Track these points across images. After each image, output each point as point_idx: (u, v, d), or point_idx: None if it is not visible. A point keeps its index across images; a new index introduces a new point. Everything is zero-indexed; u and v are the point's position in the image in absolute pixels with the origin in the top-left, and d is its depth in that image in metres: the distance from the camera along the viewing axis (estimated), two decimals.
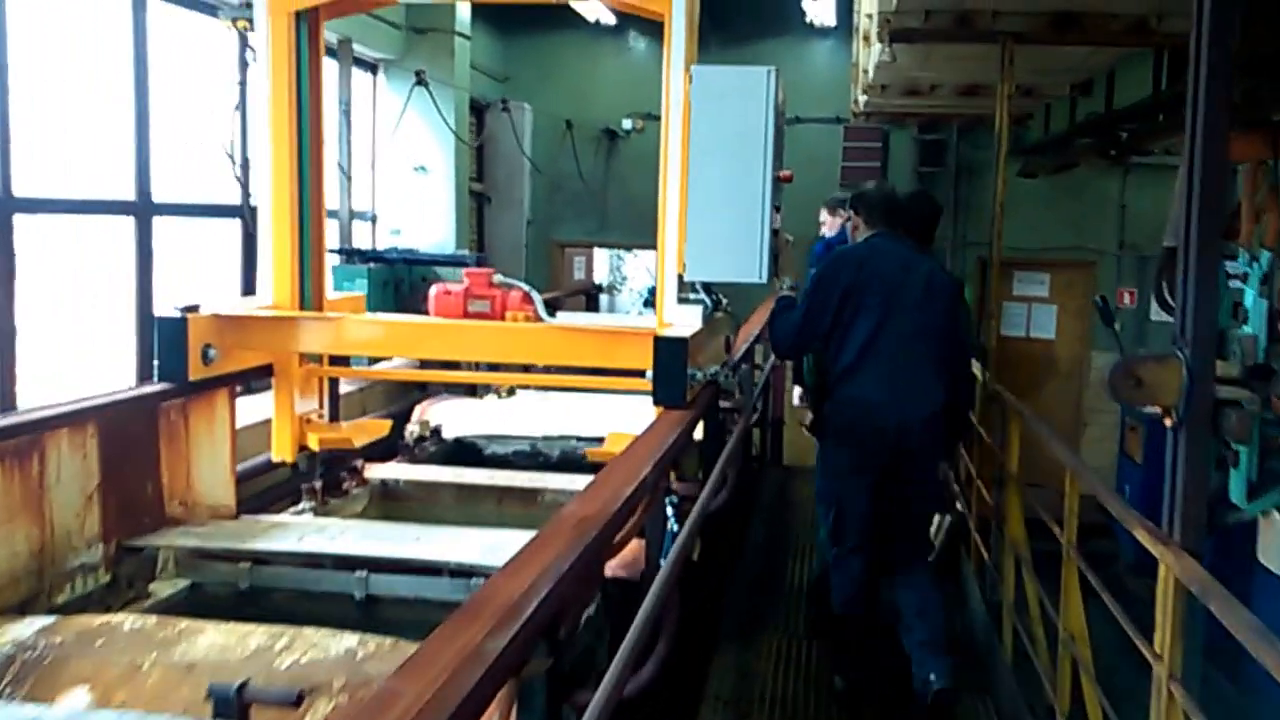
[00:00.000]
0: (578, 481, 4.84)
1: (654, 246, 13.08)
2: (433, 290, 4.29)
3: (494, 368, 6.10)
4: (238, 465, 4.98)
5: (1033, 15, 4.94)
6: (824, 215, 6.38)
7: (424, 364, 5.29)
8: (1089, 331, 11.41)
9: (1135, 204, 11.09)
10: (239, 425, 5.59)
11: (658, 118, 11.23)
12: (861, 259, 4.07)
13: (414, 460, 5.39)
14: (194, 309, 3.87)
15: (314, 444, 4.47)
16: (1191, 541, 2.47)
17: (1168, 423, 2.53)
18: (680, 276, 3.83)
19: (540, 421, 6.19)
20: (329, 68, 6.70)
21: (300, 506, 4.47)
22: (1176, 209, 3.01)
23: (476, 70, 10.56)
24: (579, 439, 5.92)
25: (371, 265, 7.21)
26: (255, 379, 4.46)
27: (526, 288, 4.17)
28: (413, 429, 5.51)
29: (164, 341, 3.84)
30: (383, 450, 5.60)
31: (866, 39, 6.64)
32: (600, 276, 15.52)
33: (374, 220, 8.93)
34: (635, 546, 3.52)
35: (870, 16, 6.24)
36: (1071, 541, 3.50)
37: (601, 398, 7.11)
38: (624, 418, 5.32)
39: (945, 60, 5.96)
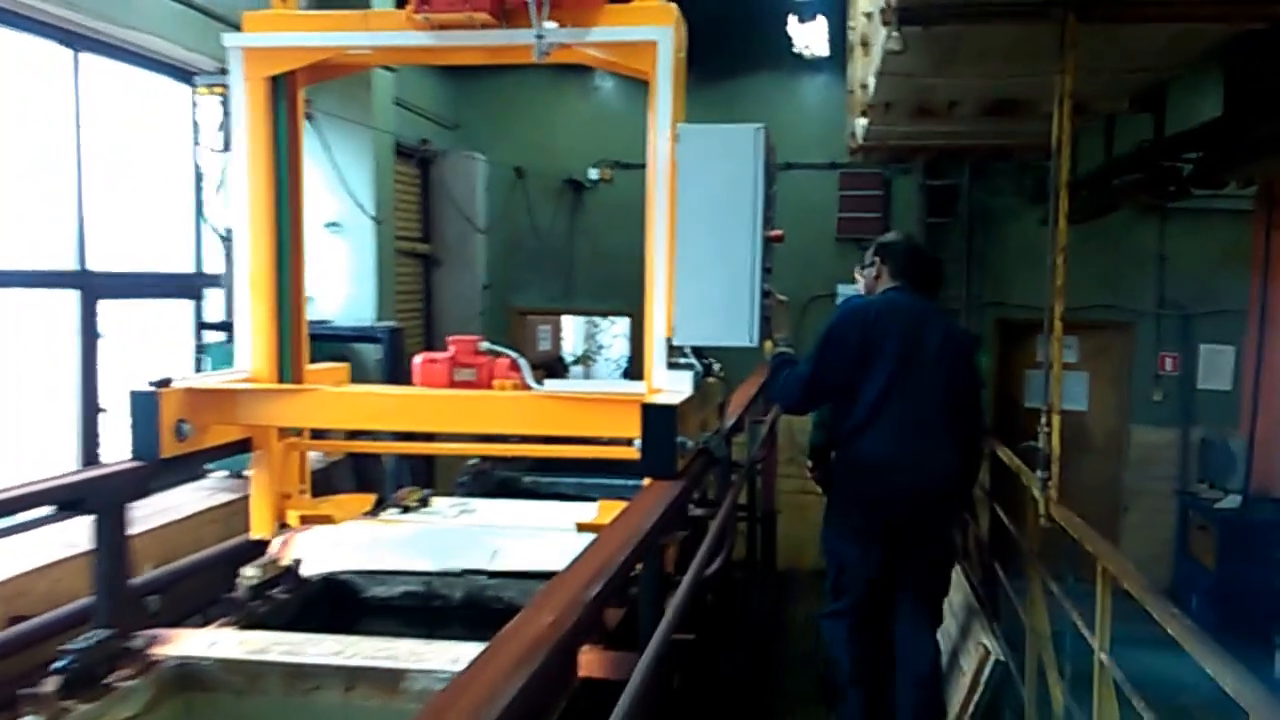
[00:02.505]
0: (465, 653, 3.38)
1: (626, 313, 11.55)
2: (417, 359, 4.26)
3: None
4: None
5: None
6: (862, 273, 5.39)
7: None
8: (1127, 402, 9.84)
9: (1176, 255, 9.51)
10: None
11: (628, 166, 9.79)
12: (877, 312, 3.99)
13: (250, 621, 3.84)
14: (166, 383, 3.81)
15: (294, 520, 4.39)
16: None
17: None
18: (669, 341, 3.72)
19: (445, 549, 4.66)
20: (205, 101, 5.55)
21: None
22: None
23: (421, 116, 9.29)
24: (490, 574, 4.40)
25: None
26: (234, 453, 4.29)
27: (514, 355, 4.14)
28: (250, 574, 3.97)
29: (135, 418, 3.77)
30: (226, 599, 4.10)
31: (865, 45, 5.22)
32: (571, 346, 14.01)
33: None
34: None
35: (868, 15, 4.84)
36: None
37: (542, 509, 5.58)
38: (559, 540, 4.29)
39: (972, 59, 4.48)
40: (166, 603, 4.06)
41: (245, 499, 4.46)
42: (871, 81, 5.12)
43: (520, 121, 10.31)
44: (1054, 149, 3.84)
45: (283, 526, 4.35)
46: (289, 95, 4.22)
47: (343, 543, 4.49)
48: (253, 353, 4.23)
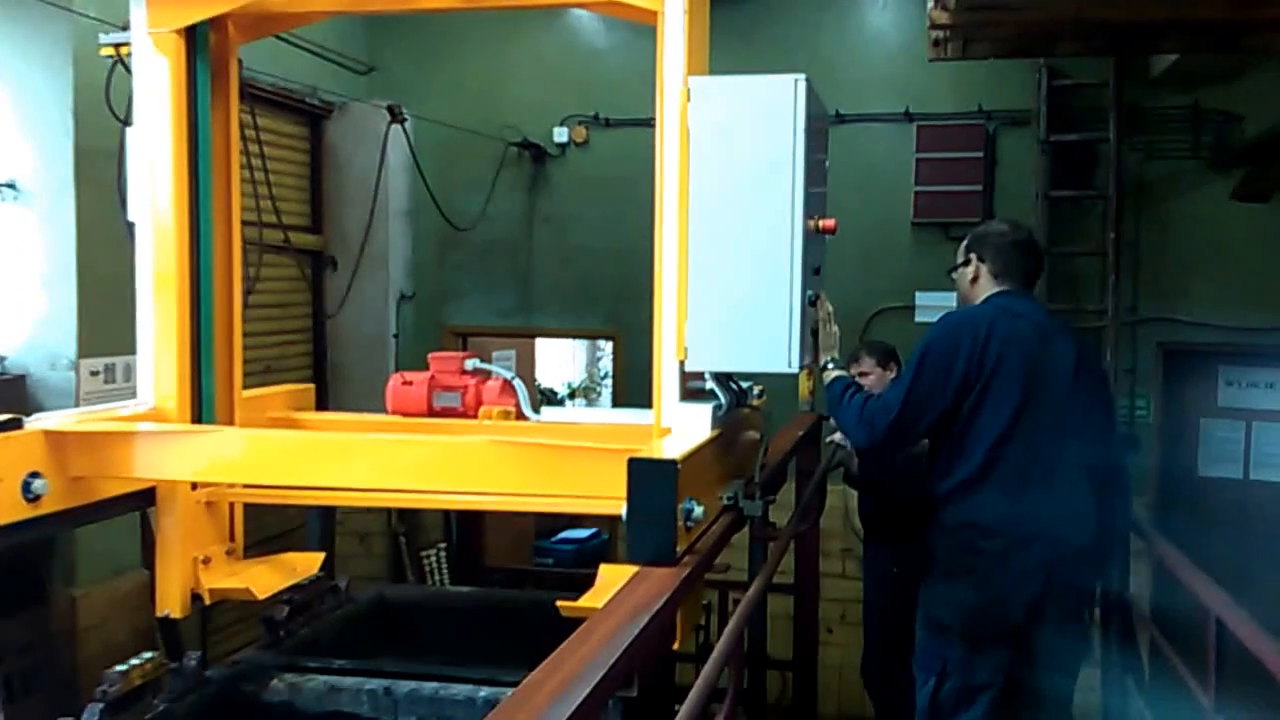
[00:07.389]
0: None
1: (607, 334, 9.17)
2: (390, 382, 3.84)
3: None
4: None
5: None
6: (867, 363, 4.64)
7: None
8: None
9: None
10: None
11: (610, 123, 7.61)
12: (991, 326, 3.31)
13: None
14: (15, 424, 3.09)
15: (206, 594, 3.72)
16: None
17: None
18: (681, 365, 3.03)
19: None
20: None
21: None
22: None
23: (317, 54, 6.70)
24: None
25: None
26: (132, 508, 3.55)
27: (509, 375, 3.78)
28: None
29: None
30: None
31: None
32: (565, 376, 11.66)
33: None
34: None
35: None
36: None
37: None
38: None
39: None
40: None
41: None
42: None
43: (458, 63, 7.42)
44: None
45: (195, 599, 3.72)
46: (217, 54, 3.65)
47: None
48: (155, 380, 3.56)
